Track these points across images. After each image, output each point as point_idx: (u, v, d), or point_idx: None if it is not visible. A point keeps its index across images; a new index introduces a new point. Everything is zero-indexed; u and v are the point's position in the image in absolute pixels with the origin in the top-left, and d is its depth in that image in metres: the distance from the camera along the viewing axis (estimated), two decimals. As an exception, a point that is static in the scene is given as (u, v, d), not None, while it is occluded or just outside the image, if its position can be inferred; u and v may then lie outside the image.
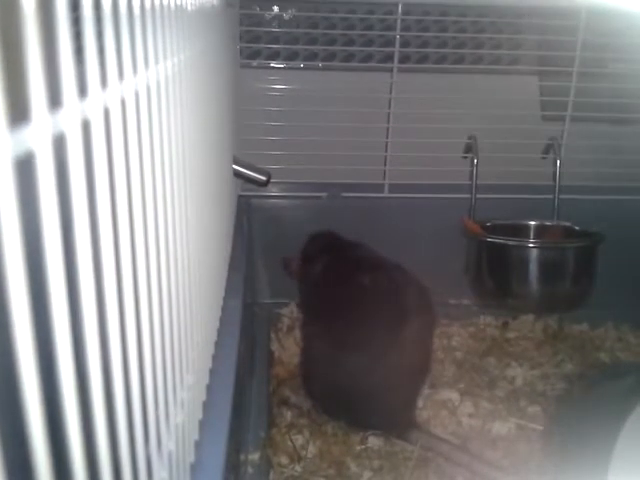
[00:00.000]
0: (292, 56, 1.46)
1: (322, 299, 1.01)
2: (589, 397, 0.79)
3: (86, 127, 0.24)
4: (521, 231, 1.36)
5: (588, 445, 0.69)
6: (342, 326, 0.94)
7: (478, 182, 1.36)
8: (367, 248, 1.09)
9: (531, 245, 1.29)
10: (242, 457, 0.79)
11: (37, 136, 0.20)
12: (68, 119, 0.22)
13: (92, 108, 0.24)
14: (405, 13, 1.37)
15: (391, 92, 1.39)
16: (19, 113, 0.19)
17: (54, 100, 0.21)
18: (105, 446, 0.28)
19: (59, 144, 0.21)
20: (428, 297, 0.97)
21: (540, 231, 1.38)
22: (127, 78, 0.30)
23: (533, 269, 1.26)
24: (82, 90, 0.24)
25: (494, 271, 1.30)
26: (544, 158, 1.43)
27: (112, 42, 0.28)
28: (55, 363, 0.24)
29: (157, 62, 0.36)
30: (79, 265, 0.25)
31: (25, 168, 0.20)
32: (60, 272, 0.22)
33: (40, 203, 0.21)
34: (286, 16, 1.44)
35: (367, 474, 0.86)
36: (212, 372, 0.62)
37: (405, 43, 1.43)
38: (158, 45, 0.38)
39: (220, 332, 0.70)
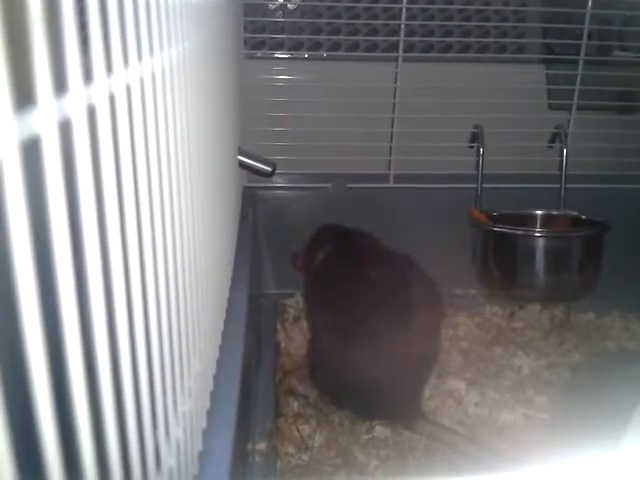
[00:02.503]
0: (296, 46, 1.46)
1: (329, 290, 1.01)
2: (596, 386, 0.79)
3: (92, 113, 0.24)
4: (527, 220, 1.36)
5: (595, 434, 0.69)
6: (349, 317, 0.94)
7: (484, 172, 1.35)
8: (374, 239, 1.09)
9: (537, 234, 1.28)
10: (249, 446, 0.79)
11: (43, 120, 0.20)
12: (74, 104, 0.22)
13: (97, 94, 0.24)
14: (410, 2, 1.36)
15: (396, 82, 1.39)
16: (25, 97, 0.19)
17: (60, 85, 0.21)
18: (114, 434, 0.28)
19: (65, 129, 0.21)
20: (435, 288, 0.97)
21: (546, 220, 1.37)
22: (132, 65, 0.29)
23: (540, 258, 1.25)
24: (87, 76, 0.23)
25: (500, 261, 1.29)
26: (550, 147, 1.43)
27: (117, 28, 0.28)
28: (64, 352, 0.24)
29: (162, 50, 0.36)
30: (86, 251, 0.25)
31: (31, 152, 0.20)
32: (67, 257, 0.22)
33: (46, 187, 0.21)
34: (290, 6, 1.43)
35: (374, 463, 0.86)
36: (219, 362, 0.62)
37: (410, 32, 1.43)
38: (162, 33, 0.37)
39: (226, 323, 0.71)
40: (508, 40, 1.48)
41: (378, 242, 1.08)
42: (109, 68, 0.26)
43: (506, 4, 1.46)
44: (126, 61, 0.29)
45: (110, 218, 0.27)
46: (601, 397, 0.76)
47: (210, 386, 0.57)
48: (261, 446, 0.83)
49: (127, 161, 0.29)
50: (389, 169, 1.42)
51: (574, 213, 1.35)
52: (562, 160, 1.37)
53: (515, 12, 1.47)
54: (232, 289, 0.79)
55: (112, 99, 0.26)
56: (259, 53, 1.44)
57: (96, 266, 0.25)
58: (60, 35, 0.22)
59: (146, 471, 0.33)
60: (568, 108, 1.43)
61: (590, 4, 1.35)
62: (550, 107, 1.48)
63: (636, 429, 0.64)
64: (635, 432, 0.63)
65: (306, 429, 0.92)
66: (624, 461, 0.61)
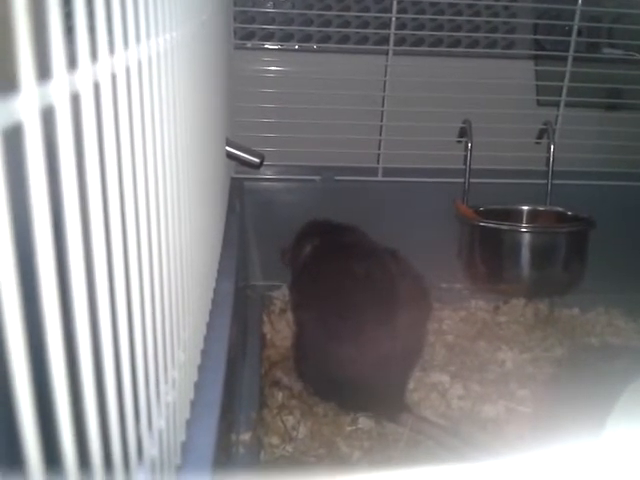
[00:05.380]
0: (287, 37, 1.45)
1: (315, 283, 1.01)
2: (578, 379, 0.80)
3: (76, 100, 0.23)
4: (514, 216, 1.37)
5: (577, 428, 0.70)
6: (334, 310, 0.94)
7: (472, 166, 1.36)
8: (362, 233, 1.09)
9: (523, 230, 1.29)
10: (233, 437, 0.79)
11: (26, 107, 0.19)
12: (58, 91, 0.22)
13: (82, 81, 0.24)
14: (401, -5, 1.36)
15: (386, 75, 1.38)
16: (8, 83, 0.19)
17: (44, 71, 0.21)
18: (95, 424, 0.28)
19: (48, 116, 0.21)
20: (422, 283, 0.97)
21: (533, 216, 1.38)
22: (118, 52, 0.29)
23: (525, 254, 1.26)
24: (72, 63, 0.23)
25: (486, 255, 1.30)
26: (538, 143, 1.43)
27: (103, 15, 0.27)
28: (45, 341, 0.24)
29: (149, 38, 0.36)
30: (68, 241, 0.24)
31: (14, 139, 0.19)
32: (49, 246, 0.22)
33: (28, 174, 0.20)
34: (281, -4, 1.43)
35: (357, 454, 0.87)
36: (204, 353, 0.62)
37: (401, 25, 1.42)
38: (150, 21, 0.37)
39: (212, 313, 0.70)
40: (498, 35, 1.48)
41: (366, 236, 1.08)
42: (94, 55, 0.26)
43: (497, -1, 1.46)
44: (112, 49, 0.29)
45: (93, 208, 0.27)
46: (583, 392, 0.76)
47: (194, 377, 0.57)
48: (245, 437, 0.83)
49: (111, 150, 0.29)
50: (378, 162, 1.42)
51: (560, 209, 1.36)
52: (549, 156, 1.37)
53: (506, 8, 1.47)
54: (218, 280, 0.79)
55: (97, 87, 0.26)
56: (249, 44, 1.43)
57: (79, 255, 0.25)
58: (44, 20, 0.22)
59: (128, 461, 0.33)
60: (556, 104, 1.44)
61: (580, 1, 1.35)
62: (539, 103, 1.49)
63: (617, 420, 0.64)
64: (616, 423, 0.64)
65: (290, 420, 0.93)
66: (605, 451, 0.62)
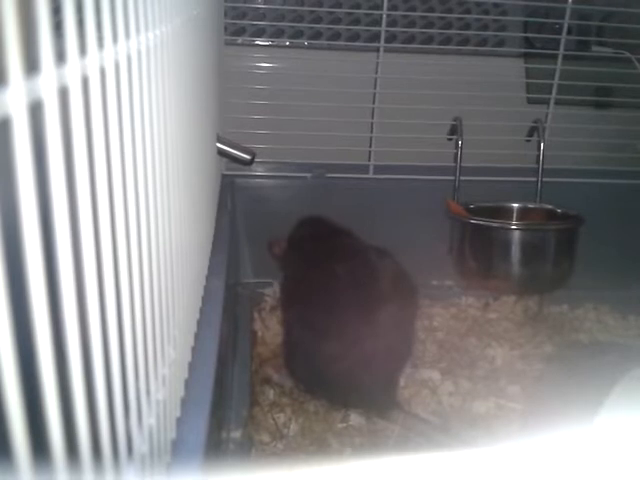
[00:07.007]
0: (278, 34, 1.45)
1: (304, 281, 1.01)
2: (568, 376, 0.81)
3: (64, 95, 0.23)
4: (504, 213, 1.37)
5: (566, 423, 0.71)
6: (323, 307, 0.94)
7: (462, 164, 1.36)
8: (352, 233, 1.09)
9: (514, 227, 1.29)
10: (224, 435, 0.79)
11: (14, 101, 0.19)
12: (46, 85, 0.21)
13: (71, 75, 0.24)
14: (392, -8, 1.36)
15: (377, 72, 1.38)
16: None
17: (32, 65, 0.21)
18: (84, 422, 0.28)
19: (37, 110, 0.21)
20: (409, 281, 0.97)
21: (523, 213, 1.38)
22: (107, 47, 0.29)
23: (515, 251, 1.27)
24: (61, 57, 0.23)
25: (477, 252, 1.30)
26: (528, 141, 1.44)
27: (92, 9, 0.27)
28: (33, 338, 0.24)
29: (138, 32, 0.35)
30: (56, 236, 0.24)
31: (1, 133, 0.19)
32: (36, 242, 0.22)
33: (16, 168, 0.20)
34: (272, -7, 1.42)
35: (348, 451, 0.87)
36: (194, 350, 0.61)
37: (392, 23, 1.42)
38: (140, 15, 0.37)
39: (202, 311, 0.70)
40: (489, 33, 1.48)
41: (357, 237, 1.08)
42: (83, 50, 0.26)
43: (487, -3, 1.46)
44: (101, 43, 0.28)
45: (82, 203, 0.27)
46: (573, 388, 0.77)
47: (185, 374, 0.56)
48: (236, 434, 0.83)
49: (100, 145, 0.28)
50: (369, 160, 1.42)
51: (550, 206, 1.37)
52: (539, 154, 1.38)
53: (496, 5, 1.47)
54: (209, 277, 0.79)
55: (86, 81, 0.25)
56: (240, 40, 1.43)
57: (67, 251, 0.25)
58: (33, 14, 0.22)
59: (118, 458, 0.33)
60: (546, 102, 1.44)
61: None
62: (529, 101, 1.49)
63: (608, 414, 0.65)
64: (607, 416, 0.65)
65: (281, 418, 0.93)
66: (596, 444, 0.62)
